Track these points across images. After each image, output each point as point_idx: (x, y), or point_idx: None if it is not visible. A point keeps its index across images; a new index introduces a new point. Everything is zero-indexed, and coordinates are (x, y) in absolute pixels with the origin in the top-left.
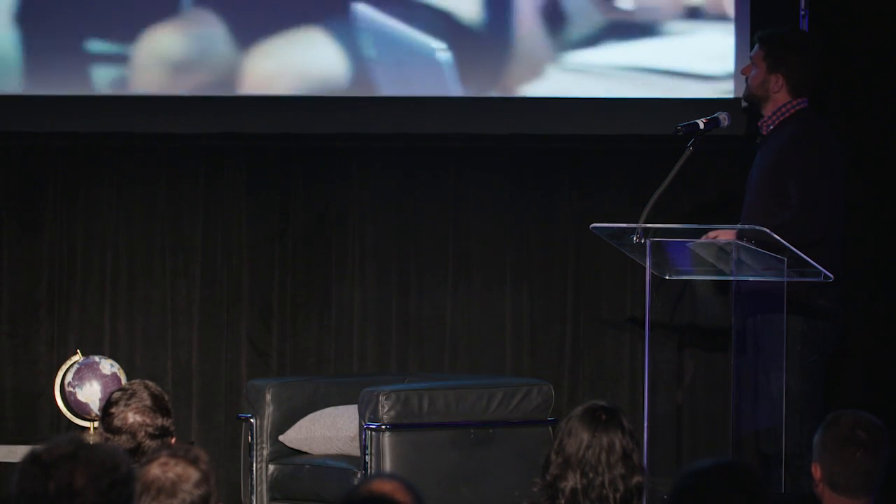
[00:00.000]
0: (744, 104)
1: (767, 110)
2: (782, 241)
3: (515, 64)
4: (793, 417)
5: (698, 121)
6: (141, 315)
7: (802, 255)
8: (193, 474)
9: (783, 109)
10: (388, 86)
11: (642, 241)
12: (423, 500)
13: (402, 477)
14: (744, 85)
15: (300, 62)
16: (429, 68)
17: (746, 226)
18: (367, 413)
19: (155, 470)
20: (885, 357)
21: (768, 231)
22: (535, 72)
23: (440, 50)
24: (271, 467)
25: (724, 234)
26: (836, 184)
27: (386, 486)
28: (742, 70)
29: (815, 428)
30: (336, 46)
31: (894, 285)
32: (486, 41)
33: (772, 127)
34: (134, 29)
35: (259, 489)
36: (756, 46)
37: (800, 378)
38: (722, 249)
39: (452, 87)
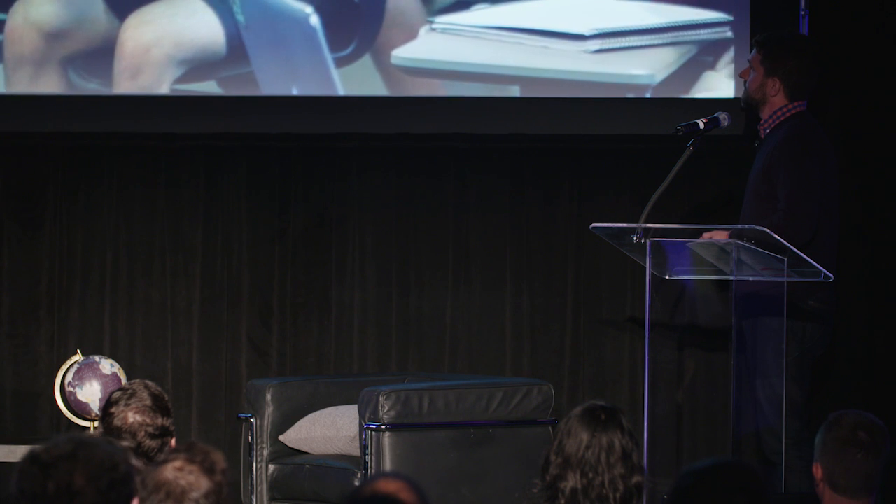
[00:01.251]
0: (742, 106)
1: (765, 113)
2: (782, 240)
3: (387, 26)
4: (777, 417)
5: (698, 121)
6: (141, 315)
7: (803, 255)
8: (205, 484)
9: (780, 113)
10: (262, 50)
11: (642, 241)
12: (427, 499)
13: (406, 476)
14: (743, 86)
15: (178, 29)
16: (301, 32)
17: (741, 226)
18: (367, 413)
19: (168, 473)
20: (879, 358)
21: (768, 231)
22: (407, 34)
23: (311, 14)
24: (271, 467)
25: (718, 235)
26: (828, 186)
27: (391, 486)
28: (741, 74)
29: (798, 427)
30: (211, 12)
31: (889, 286)
32: (357, 4)
33: (768, 130)
34: None
35: (259, 489)
36: (753, 50)
37: (790, 377)
38: (722, 249)
39: (324, 52)
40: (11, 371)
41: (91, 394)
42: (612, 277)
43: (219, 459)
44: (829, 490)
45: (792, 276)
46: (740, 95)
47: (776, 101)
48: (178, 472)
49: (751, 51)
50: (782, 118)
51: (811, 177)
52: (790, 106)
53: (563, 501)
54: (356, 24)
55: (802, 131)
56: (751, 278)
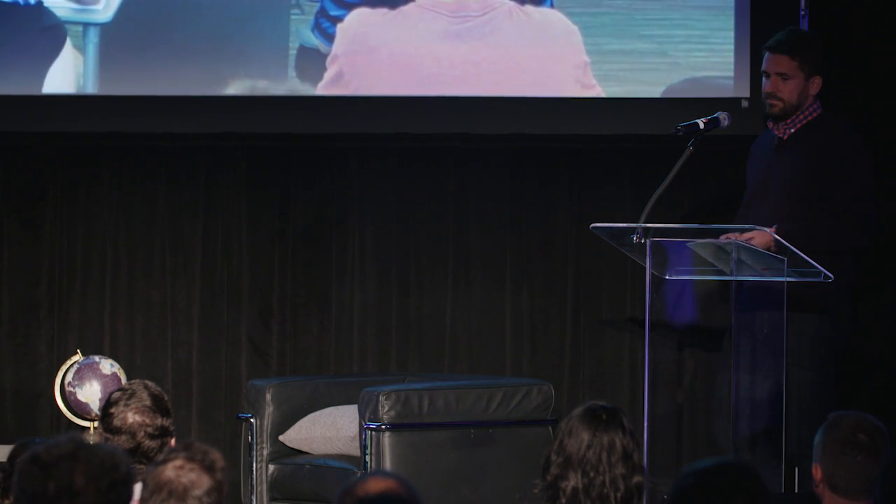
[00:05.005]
0: (778, 117)
1: (794, 115)
2: (784, 242)
3: None
4: (811, 418)
5: (698, 121)
6: (141, 315)
7: (802, 255)
8: (206, 482)
9: (807, 112)
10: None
11: (642, 241)
12: (419, 497)
13: (397, 475)
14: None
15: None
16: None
17: (788, 226)
18: (367, 413)
19: (169, 472)
20: (883, 358)
21: (773, 234)
22: None
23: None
24: (271, 467)
25: (758, 237)
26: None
27: (382, 484)
28: (769, 88)
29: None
30: None
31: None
32: None
33: (792, 130)
34: None
35: (259, 489)
36: (780, 58)
37: (821, 378)
38: (722, 249)
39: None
40: (11, 371)
41: (91, 394)
42: (612, 277)
43: (217, 458)
44: (828, 492)
45: (792, 277)
46: (767, 110)
47: (807, 101)
48: (178, 470)
49: (763, 58)
50: (810, 117)
51: (869, 181)
52: (816, 105)
53: (563, 501)
54: None
55: (851, 133)
56: (751, 278)
